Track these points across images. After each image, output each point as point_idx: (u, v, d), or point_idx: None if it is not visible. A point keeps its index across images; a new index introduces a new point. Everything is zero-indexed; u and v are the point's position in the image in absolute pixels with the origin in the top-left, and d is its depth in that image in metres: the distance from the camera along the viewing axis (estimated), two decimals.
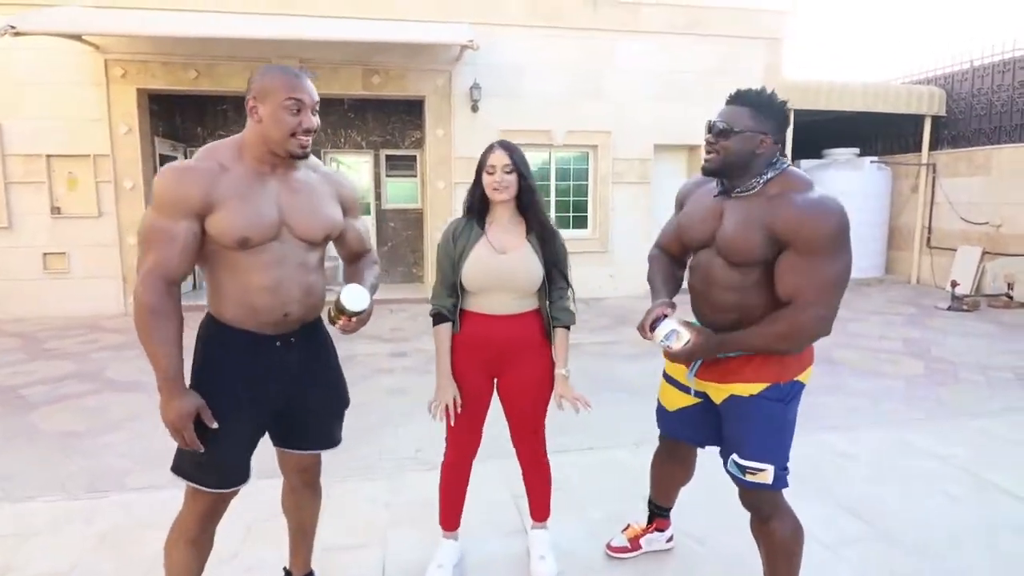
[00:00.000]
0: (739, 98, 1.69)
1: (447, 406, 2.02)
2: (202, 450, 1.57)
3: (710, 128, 1.71)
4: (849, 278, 1.62)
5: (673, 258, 2.03)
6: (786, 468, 1.74)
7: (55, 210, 7.29)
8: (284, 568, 2.10)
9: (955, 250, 9.22)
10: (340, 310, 1.66)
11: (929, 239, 9.83)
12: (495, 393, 2.15)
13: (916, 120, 9.93)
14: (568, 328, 2.09)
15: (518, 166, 1.96)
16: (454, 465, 2.18)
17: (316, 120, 1.64)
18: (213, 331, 1.68)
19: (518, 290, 2.02)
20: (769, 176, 1.69)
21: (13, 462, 3.30)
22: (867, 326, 6.79)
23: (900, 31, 33.08)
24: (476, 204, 2.04)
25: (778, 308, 1.65)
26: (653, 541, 2.35)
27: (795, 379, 1.73)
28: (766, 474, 1.71)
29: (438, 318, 2.06)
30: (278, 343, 1.70)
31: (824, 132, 11.32)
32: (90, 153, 7.25)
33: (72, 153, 7.23)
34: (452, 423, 2.05)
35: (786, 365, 1.71)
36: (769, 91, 1.70)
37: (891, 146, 10.61)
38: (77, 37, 6.83)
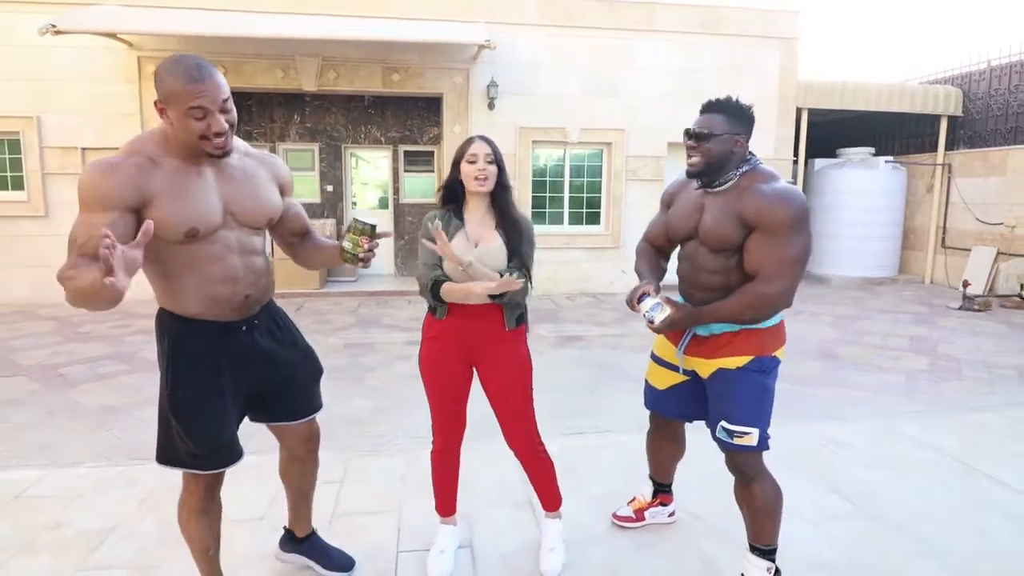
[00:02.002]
0: (712, 106, 1.92)
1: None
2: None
3: (690, 134, 1.92)
4: (808, 256, 1.84)
5: (659, 251, 2.23)
6: (768, 433, 1.94)
7: None
8: (284, 527, 2.24)
9: (970, 250, 9.22)
10: (359, 231, 1.70)
11: (944, 239, 9.82)
12: (476, 384, 2.16)
13: (932, 120, 9.92)
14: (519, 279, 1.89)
15: (497, 158, 2.01)
16: (442, 452, 2.19)
17: (224, 120, 1.58)
18: (181, 327, 1.70)
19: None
20: (742, 171, 1.92)
21: (57, 433, 3.56)
22: (874, 324, 6.86)
23: (917, 31, 32.61)
24: (451, 195, 2.06)
25: None
26: (656, 514, 2.53)
27: (773, 354, 1.94)
28: (751, 437, 1.91)
29: (436, 285, 1.97)
30: (244, 328, 1.77)
31: (839, 132, 11.33)
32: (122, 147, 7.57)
33: (105, 146, 7.50)
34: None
35: (765, 341, 1.93)
36: (735, 98, 1.92)
37: (907, 146, 10.59)
38: (112, 35, 7.14)
